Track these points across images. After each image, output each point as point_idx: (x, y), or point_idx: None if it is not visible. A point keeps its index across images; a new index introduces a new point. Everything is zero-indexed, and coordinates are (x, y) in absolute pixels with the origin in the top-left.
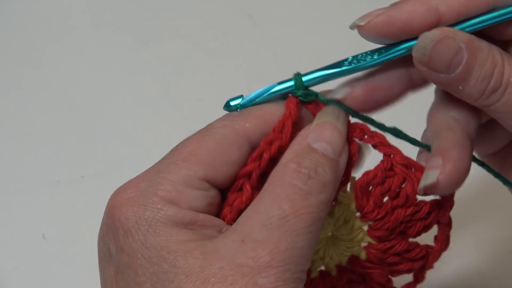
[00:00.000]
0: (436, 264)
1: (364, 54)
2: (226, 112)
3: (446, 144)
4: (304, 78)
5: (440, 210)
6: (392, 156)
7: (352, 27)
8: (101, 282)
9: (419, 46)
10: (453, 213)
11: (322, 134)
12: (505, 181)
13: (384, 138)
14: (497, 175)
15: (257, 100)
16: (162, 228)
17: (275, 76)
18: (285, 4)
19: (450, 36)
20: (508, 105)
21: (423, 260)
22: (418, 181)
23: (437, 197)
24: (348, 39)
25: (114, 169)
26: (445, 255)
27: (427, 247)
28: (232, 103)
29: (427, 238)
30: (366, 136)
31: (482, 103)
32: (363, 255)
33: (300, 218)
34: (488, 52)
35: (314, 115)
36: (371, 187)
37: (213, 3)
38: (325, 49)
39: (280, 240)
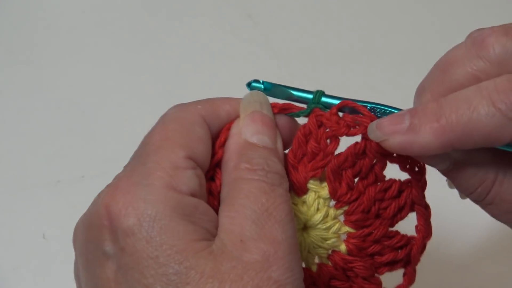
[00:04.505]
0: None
1: (382, 110)
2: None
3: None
4: (323, 99)
5: (413, 189)
6: (368, 141)
7: None
8: (84, 283)
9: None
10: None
11: (254, 127)
12: None
13: (373, 118)
14: None
15: (274, 89)
16: (168, 223)
17: (275, 76)
18: (285, 4)
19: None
20: None
21: (406, 249)
22: (385, 164)
23: (408, 176)
24: (348, 39)
25: (114, 169)
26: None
27: (409, 237)
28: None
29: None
30: (351, 129)
31: None
32: (343, 248)
33: (279, 208)
34: None
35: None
36: (342, 171)
37: (213, 3)
38: (325, 49)
39: (274, 232)
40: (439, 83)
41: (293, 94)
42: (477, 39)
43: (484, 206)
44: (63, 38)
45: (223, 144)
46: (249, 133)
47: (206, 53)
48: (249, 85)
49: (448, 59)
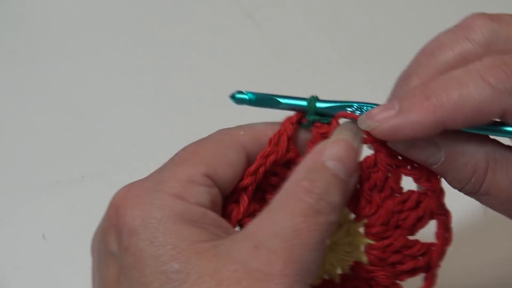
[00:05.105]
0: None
1: (370, 108)
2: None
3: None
4: (317, 104)
5: (431, 199)
6: (377, 153)
7: None
8: (95, 284)
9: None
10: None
11: (337, 152)
12: None
13: None
14: None
15: (262, 99)
16: (172, 225)
17: (274, 76)
18: (285, 4)
19: None
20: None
21: (426, 257)
22: (400, 177)
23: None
24: (348, 39)
25: (114, 169)
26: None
27: (429, 244)
28: (238, 96)
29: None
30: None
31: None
32: (364, 259)
33: (311, 234)
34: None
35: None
36: (358, 186)
37: (213, 3)
38: (325, 49)
39: (293, 252)
40: (426, 66)
41: (280, 102)
42: (464, 22)
43: (480, 198)
44: (63, 38)
45: (252, 173)
46: (328, 156)
47: (206, 53)
48: (233, 97)
49: (435, 43)
